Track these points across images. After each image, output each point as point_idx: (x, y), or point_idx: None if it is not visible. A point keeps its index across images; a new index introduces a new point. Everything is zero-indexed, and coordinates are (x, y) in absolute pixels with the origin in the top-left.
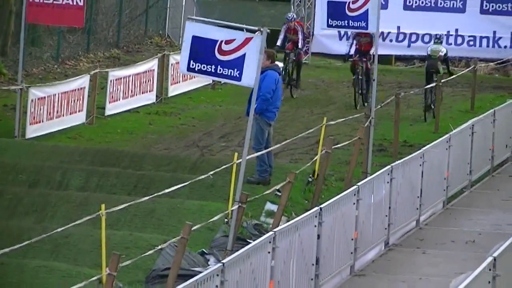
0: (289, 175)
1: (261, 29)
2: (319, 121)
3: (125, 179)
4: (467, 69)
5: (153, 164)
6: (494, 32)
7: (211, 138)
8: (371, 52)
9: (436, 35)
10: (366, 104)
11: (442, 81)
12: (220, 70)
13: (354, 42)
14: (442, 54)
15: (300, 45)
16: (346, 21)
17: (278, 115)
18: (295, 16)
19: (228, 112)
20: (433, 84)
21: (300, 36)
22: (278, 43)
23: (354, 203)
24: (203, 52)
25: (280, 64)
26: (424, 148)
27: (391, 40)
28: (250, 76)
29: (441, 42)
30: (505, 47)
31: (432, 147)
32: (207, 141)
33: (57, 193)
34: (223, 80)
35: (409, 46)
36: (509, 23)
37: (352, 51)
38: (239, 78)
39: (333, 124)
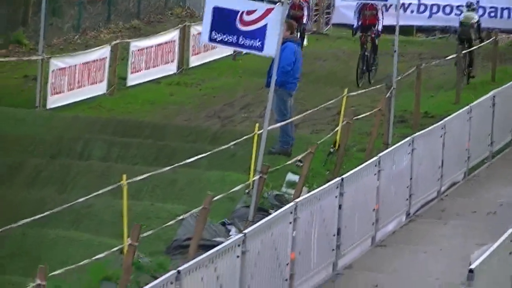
0: (310, 146)
1: (282, 0)
2: (340, 92)
3: (146, 150)
4: (488, 41)
5: (174, 134)
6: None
7: (232, 109)
8: (378, 27)
9: (467, 2)
10: (372, 81)
11: (473, 48)
12: (241, 40)
13: (359, 16)
14: (475, 21)
15: (304, 21)
16: None
17: (299, 86)
18: None
19: (249, 83)
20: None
21: (305, 12)
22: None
23: (375, 174)
24: (224, 22)
25: None
26: (445, 119)
27: (412, 11)
28: (271, 47)
29: (473, 10)
30: None
31: (453, 118)
32: (228, 111)
33: (78, 164)
34: (245, 51)
35: (430, 17)
36: None
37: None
38: (261, 48)
39: (354, 95)
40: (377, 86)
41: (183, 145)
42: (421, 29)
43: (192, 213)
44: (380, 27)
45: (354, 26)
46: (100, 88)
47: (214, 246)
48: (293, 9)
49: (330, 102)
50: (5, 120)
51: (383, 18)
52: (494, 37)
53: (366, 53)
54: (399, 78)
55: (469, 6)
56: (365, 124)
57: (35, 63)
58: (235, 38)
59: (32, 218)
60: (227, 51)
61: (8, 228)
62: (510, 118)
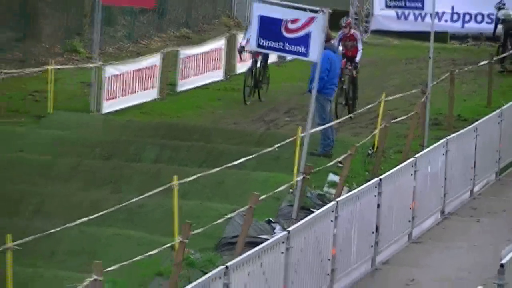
0: (350, 148)
1: (323, 9)
2: (379, 96)
3: (196, 152)
4: None
5: (222, 137)
6: None
7: (277, 113)
8: (357, 58)
9: (498, 3)
10: (352, 117)
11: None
12: (287, 46)
13: (340, 47)
14: None
15: (357, 59)
16: (403, 2)
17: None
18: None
19: (292, 88)
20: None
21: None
22: (243, 42)
23: (411, 174)
24: (271, 30)
25: None
26: (477, 122)
27: (446, 20)
28: (316, 52)
29: (505, 8)
30: None
31: (485, 121)
32: (272, 115)
33: (131, 166)
34: (291, 56)
35: (463, 26)
36: None
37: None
38: (306, 54)
39: (391, 99)
40: (413, 91)
41: (230, 148)
42: (454, 37)
43: (239, 212)
44: (358, 58)
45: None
46: (152, 94)
47: (260, 243)
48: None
49: (369, 106)
50: (63, 123)
51: (362, 48)
52: None
53: (344, 87)
54: (434, 83)
55: (503, 5)
56: (401, 127)
57: (90, 70)
58: (281, 45)
59: (88, 217)
60: (273, 56)
61: (67, 227)
62: None
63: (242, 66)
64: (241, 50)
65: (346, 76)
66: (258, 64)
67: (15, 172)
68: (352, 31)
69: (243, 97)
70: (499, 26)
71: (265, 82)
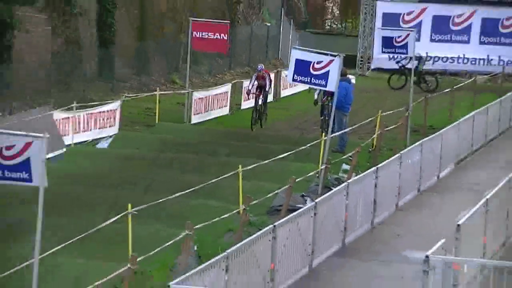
0: (357, 147)
1: (339, 54)
2: (376, 113)
3: (252, 150)
4: (470, 79)
5: (270, 139)
6: (488, 56)
7: (307, 123)
8: (266, 87)
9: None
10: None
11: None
12: (313, 80)
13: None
14: None
15: (266, 88)
16: (394, 49)
17: (350, 109)
18: (263, 66)
19: (318, 107)
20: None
21: (267, 82)
22: (249, 87)
23: (398, 165)
24: (302, 68)
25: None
26: (441, 131)
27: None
28: (332, 84)
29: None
30: (495, 65)
31: (446, 130)
32: (304, 125)
33: (210, 158)
34: (315, 87)
35: (433, 64)
36: (497, 50)
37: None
38: (325, 85)
39: (385, 114)
40: (400, 109)
41: (276, 147)
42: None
43: (282, 189)
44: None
45: (249, 87)
46: (224, 111)
47: (297, 210)
48: (259, 78)
49: (370, 119)
50: (165, 130)
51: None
52: (474, 78)
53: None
54: (413, 104)
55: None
56: (392, 133)
57: (183, 95)
58: (309, 79)
59: (181, 192)
60: (304, 86)
61: (168, 199)
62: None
63: (285, 92)
64: (249, 92)
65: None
66: (260, 102)
67: (133, 162)
68: (264, 73)
69: (251, 126)
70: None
71: (265, 114)
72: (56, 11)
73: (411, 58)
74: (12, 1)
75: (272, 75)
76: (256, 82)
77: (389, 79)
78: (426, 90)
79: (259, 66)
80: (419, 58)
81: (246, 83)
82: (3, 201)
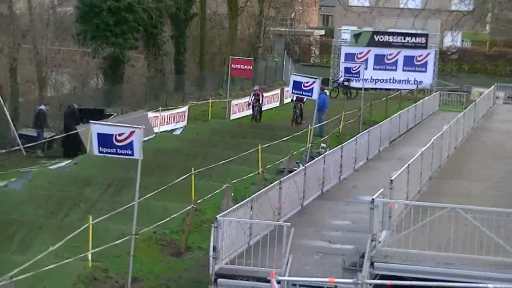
0: (330, 133)
1: (319, 78)
2: (341, 112)
3: (267, 134)
4: (397, 92)
5: (277, 128)
6: (408, 78)
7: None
8: (260, 102)
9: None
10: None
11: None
12: (304, 92)
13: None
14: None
15: (261, 102)
16: (301, 92)
17: (326, 111)
18: (258, 88)
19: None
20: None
21: (261, 98)
22: (249, 101)
23: (355, 143)
24: (297, 85)
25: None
26: (380, 123)
27: (367, 81)
28: (315, 95)
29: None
30: (412, 84)
31: (383, 122)
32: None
33: (242, 141)
34: (306, 97)
35: (375, 83)
36: (413, 75)
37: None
38: (311, 96)
39: (346, 113)
40: (354, 110)
41: (281, 133)
42: (372, 88)
43: (285, 159)
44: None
45: (248, 101)
46: (250, 112)
47: (293, 171)
48: (255, 95)
49: (336, 116)
50: (214, 123)
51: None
52: (400, 92)
53: (255, 112)
54: (364, 107)
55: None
56: (351, 125)
57: (225, 102)
58: (302, 92)
59: (224, 161)
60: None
61: (216, 165)
62: (397, 129)
63: (286, 100)
64: (249, 104)
65: (256, 106)
66: (257, 108)
67: (195, 143)
68: (258, 92)
69: (252, 119)
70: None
71: (259, 115)
72: (150, 53)
73: (348, 80)
74: (123, 47)
75: (278, 90)
76: (253, 98)
77: (330, 92)
78: (350, 98)
79: (255, 88)
80: (347, 80)
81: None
82: (115, 166)
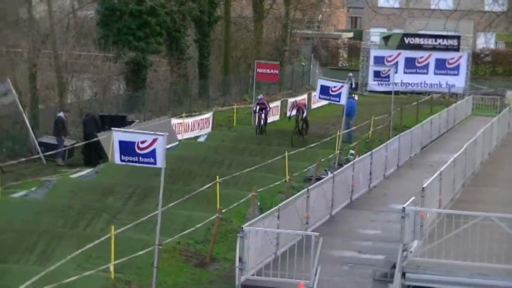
0: (359, 139)
1: (347, 81)
2: (370, 117)
3: (289, 140)
4: (428, 97)
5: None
6: (439, 82)
7: (328, 125)
8: (266, 111)
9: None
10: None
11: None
12: (331, 97)
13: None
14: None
15: (267, 110)
16: (381, 78)
17: (355, 116)
18: (262, 97)
19: (335, 115)
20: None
21: (267, 107)
22: (253, 109)
23: (385, 150)
24: (325, 90)
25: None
26: (411, 128)
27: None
28: (343, 100)
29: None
30: (444, 88)
31: (414, 128)
32: (327, 126)
33: (268, 147)
34: (333, 102)
35: (406, 87)
36: (445, 78)
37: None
38: (339, 101)
39: (376, 118)
40: (385, 116)
41: (309, 139)
42: (402, 92)
43: (313, 166)
44: (267, 109)
45: (253, 110)
46: (276, 117)
47: (322, 179)
48: (261, 104)
49: (366, 122)
50: (240, 129)
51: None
52: (431, 96)
53: (260, 123)
54: (394, 112)
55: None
56: (380, 130)
57: (250, 107)
58: (330, 97)
59: (249, 168)
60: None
61: (241, 173)
62: (438, 127)
63: (314, 106)
64: (254, 112)
65: (262, 116)
66: (263, 116)
67: (220, 150)
68: (263, 101)
69: (256, 132)
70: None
71: (265, 124)
72: (173, 57)
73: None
74: (146, 51)
75: (306, 95)
76: (257, 108)
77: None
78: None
79: (258, 97)
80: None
81: (290, 100)
82: (138, 175)
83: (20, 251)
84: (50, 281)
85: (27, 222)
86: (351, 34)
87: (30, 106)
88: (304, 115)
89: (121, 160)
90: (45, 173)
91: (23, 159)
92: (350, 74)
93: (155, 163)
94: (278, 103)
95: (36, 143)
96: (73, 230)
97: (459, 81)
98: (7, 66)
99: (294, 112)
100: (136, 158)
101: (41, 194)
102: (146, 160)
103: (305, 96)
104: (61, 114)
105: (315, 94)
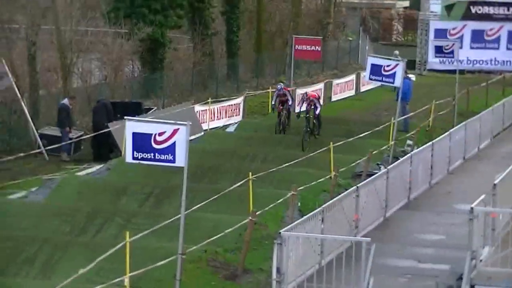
0: (417, 127)
1: (403, 60)
2: (431, 101)
3: (340, 129)
4: (499, 76)
5: (352, 123)
6: None
7: (380, 110)
8: (288, 103)
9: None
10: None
11: None
12: (384, 78)
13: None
14: None
15: (289, 103)
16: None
17: (411, 99)
18: (282, 86)
19: (388, 98)
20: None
21: (288, 97)
22: (272, 102)
23: (448, 140)
24: (376, 70)
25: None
26: (480, 114)
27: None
28: (398, 81)
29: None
30: None
31: (484, 113)
32: (378, 112)
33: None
34: (385, 84)
35: (473, 65)
36: None
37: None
38: (393, 82)
39: (437, 102)
40: (448, 99)
41: (358, 127)
42: (468, 71)
43: (363, 159)
44: (290, 103)
45: (272, 103)
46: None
47: (373, 174)
48: (280, 96)
49: (425, 106)
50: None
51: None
52: (503, 75)
53: (281, 118)
54: (459, 94)
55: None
56: (443, 116)
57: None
58: (382, 78)
59: (288, 163)
60: (377, 83)
61: (278, 168)
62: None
63: (364, 88)
64: (274, 107)
65: (283, 111)
66: (283, 115)
67: (253, 142)
68: (284, 91)
69: (275, 132)
70: None
71: (287, 123)
72: (196, 33)
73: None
74: (164, 26)
75: (353, 76)
76: (277, 100)
77: None
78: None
79: (278, 86)
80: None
81: (335, 82)
82: (156, 172)
83: (19, 262)
84: None
85: (26, 228)
86: (407, 3)
87: (29, 92)
88: (318, 111)
89: (134, 158)
90: (48, 170)
91: (22, 154)
92: (396, 52)
93: (174, 161)
94: (320, 85)
95: (37, 136)
96: (81, 238)
97: None
98: (1, 45)
99: (304, 107)
100: (152, 155)
101: (43, 195)
102: (163, 157)
103: (352, 77)
104: (66, 101)
105: (365, 74)
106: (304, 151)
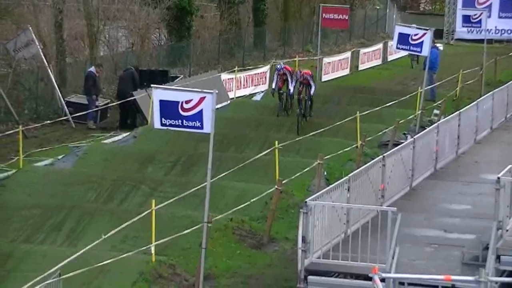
0: (445, 97)
1: (430, 29)
2: (458, 71)
3: (366, 99)
4: None
5: (379, 92)
6: None
7: (407, 80)
8: (310, 89)
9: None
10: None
11: None
12: (412, 47)
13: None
14: None
15: (290, 86)
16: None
17: (438, 68)
18: (282, 65)
19: (416, 69)
20: None
21: (288, 78)
22: (273, 86)
23: (475, 110)
24: (404, 39)
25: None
26: (508, 84)
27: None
28: (426, 50)
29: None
30: None
31: (509, 84)
32: (405, 81)
33: (336, 107)
34: (413, 53)
35: (501, 35)
36: None
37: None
38: (420, 52)
39: (465, 72)
40: (475, 68)
41: (384, 97)
42: (497, 41)
43: (389, 129)
44: (290, 83)
45: (273, 87)
46: (345, 71)
47: (400, 144)
48: (281, 75)
49: (453, 76)
50: None
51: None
52: None
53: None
54: (486, 64)
55: None
56: (470, 86)
57: (315, 60)
58: (409, 47)
59: (314, 132)
60: (404, 52)
61: (305, 137)
62: None
63: (391, 57)
64: (273, 92)
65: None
66: (285, 95)
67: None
68: (285, 70)
69: (278, 112)
70: None
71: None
72: (223, 1)
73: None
74: None
75: (381, 45)
76: (278, 79)
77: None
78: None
79: (278, 65)
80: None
81: (362, 51)
82: (182, 140)
83: (46, 229)
84: (81, 265)
85: (53, 195)
86: None
87: (56, 60)
88: (312, 91)
89: (162, 124)
90: (74, 138)
91: (48, 121)
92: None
93: (202, 128)
94: (348, 54)
95: (64, 103)
96: (107, 205)
97: None
98: (28, 13)
99: (291, 87)
100: (180, 121)
101: (70, 163)
102: (191, 123)
103: (379, 46)
104: (92, 69)
105: (392, 43)
106: (299, 134)
